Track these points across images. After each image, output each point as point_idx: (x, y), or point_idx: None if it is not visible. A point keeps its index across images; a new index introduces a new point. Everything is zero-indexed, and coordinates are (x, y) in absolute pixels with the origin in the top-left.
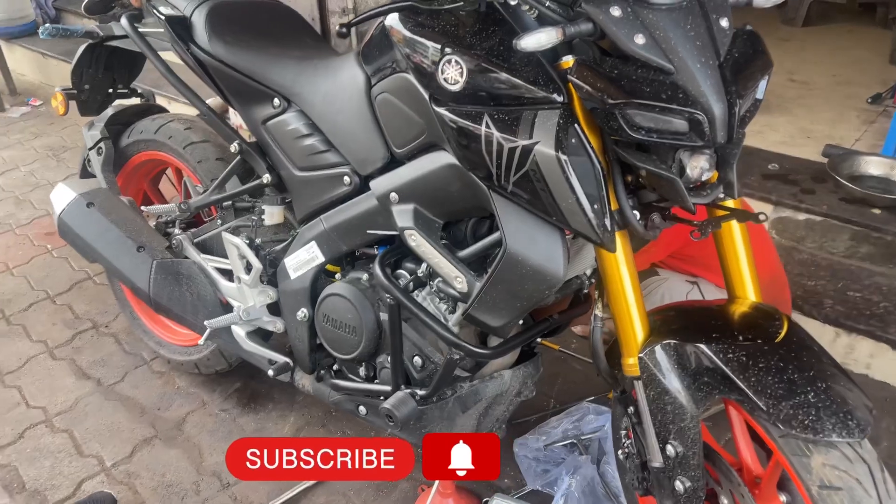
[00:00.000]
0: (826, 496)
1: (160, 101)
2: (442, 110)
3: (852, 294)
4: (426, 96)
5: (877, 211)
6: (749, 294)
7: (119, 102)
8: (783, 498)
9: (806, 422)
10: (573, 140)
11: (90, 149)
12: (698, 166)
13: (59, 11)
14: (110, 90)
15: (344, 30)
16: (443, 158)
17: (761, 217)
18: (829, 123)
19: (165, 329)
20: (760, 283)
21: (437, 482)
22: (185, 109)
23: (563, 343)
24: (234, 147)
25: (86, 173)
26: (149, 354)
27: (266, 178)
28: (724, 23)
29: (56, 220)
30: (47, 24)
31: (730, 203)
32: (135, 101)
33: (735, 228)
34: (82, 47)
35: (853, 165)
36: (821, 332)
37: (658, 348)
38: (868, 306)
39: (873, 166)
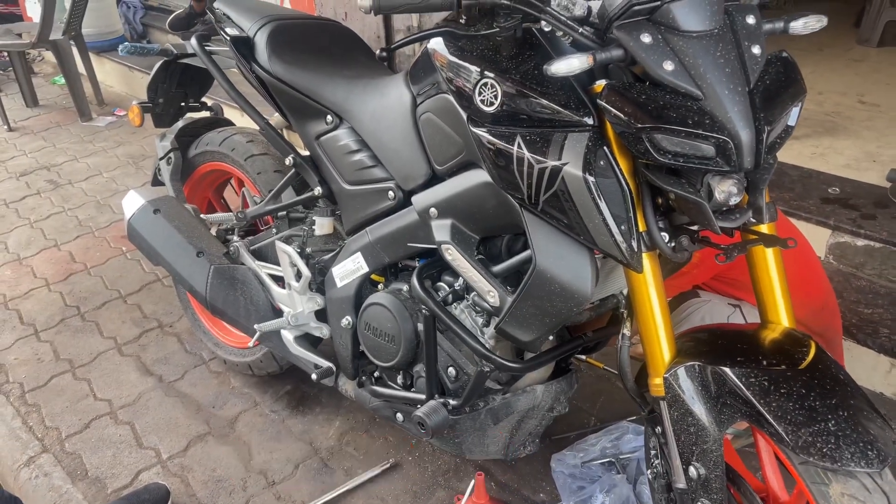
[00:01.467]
0: None
1: (232, 114)
2: (478, 131)
3: None
4: (464, 117)
5: None
6: (782, 319)
7: (189, 115)
8: None
9: (825, 449)
10: (601, 162)
11: (161, 159)
12: (726, 190)
13: (146, 27)
14: (182, 104)
15: (384, 54)
16: (479, 176)
17: (790, 243)
18: None
19: (223, 331)
20: (811, 310)
21: (469, 490)
22: (252, 123)
23: (608, 361)
24: (288, 160)
25: (157, 182)
26: (207, 354)
27: (317, 190)
28: (756, 50)
29: (126, 224)
30: (126, 43)
31: (763, 228)
32: (204, 114)
33: (769, 253)
34: (158, 64)
35: None
36: (875, 363)
37: (682, 370)
38: None
39: None
